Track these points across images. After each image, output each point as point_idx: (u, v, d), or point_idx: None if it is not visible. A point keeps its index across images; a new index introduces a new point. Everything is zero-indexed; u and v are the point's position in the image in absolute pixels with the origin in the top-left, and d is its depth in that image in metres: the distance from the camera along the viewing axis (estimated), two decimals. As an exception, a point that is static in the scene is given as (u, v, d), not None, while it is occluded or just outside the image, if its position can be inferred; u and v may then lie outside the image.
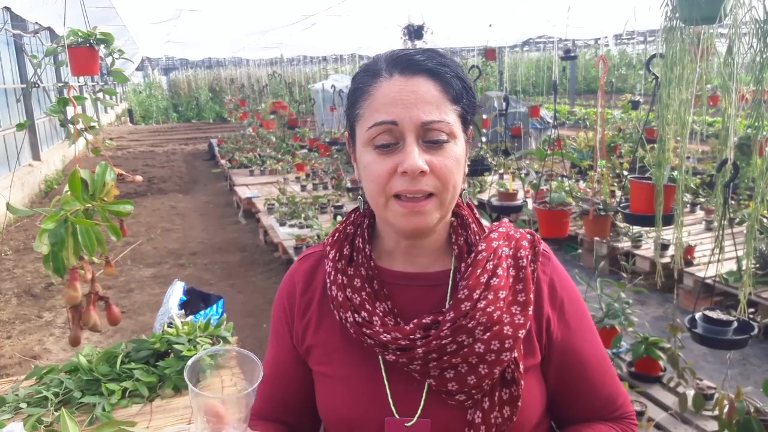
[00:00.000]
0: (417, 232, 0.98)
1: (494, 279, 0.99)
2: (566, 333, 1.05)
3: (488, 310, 0.96)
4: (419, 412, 0.98)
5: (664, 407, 3.07)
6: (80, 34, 2.76)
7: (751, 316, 2.63)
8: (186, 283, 3.03)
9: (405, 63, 0.96)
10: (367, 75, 0.99)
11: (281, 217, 6.74)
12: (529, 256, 1.05)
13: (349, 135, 1.05)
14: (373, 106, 0.96)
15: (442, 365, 0.95)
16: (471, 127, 1.04)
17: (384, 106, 0.94)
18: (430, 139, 0.94)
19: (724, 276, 4.39)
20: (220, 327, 2.20)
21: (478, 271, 0.99)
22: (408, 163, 0.92)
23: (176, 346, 2.01)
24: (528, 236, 1.09)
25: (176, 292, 2.87)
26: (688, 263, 5.01)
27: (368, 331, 0.98)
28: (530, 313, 0.99)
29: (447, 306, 1.00)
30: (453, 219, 1.07)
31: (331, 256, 1.08)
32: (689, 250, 5.11)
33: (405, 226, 0.96)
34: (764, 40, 2.08)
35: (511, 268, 1.03)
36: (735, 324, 2.57)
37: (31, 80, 3.08)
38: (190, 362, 0.92)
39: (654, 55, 3.11)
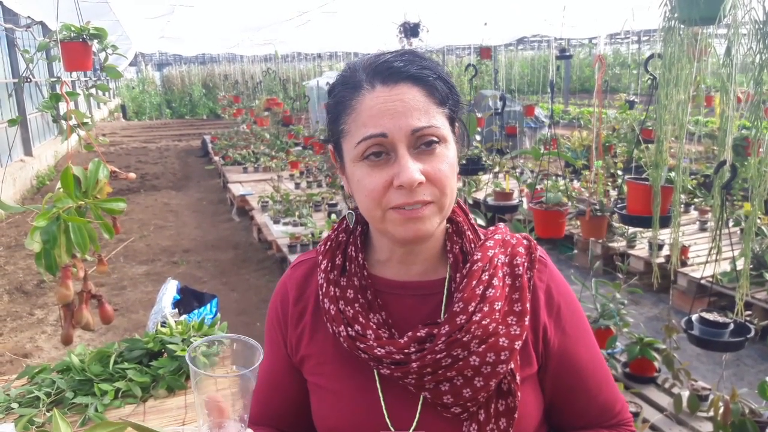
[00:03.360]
0: (417, 239, 0.95)
1: (490, 290, 0.97)
2: (563, 340, 1.03)
3: (483, 322, 0.94)
4: (414, 425, 0.97)
5: (659, 408, 3.07)
6: (73, 28, 2.73)
7: (748, 318, 2.63)
8: (179, 282, 3.02)
9: (386, 72, 0.92)
10: (347, 88, 0.95)
11: (275, 214, 6.72)
12: (526, 264, 1.03)
13: (334, 149, 1.02)
14: (360, 121, 0.92)
15: (438, 378, 0.94)
16: (457, 124, 1.00)
17: (371, 119, 0.91)
18: (422, 147, 0.91)
19: (719, 276, 4.39)
20: (214, 326, 2.18)
21: (474, 282, 0.97)
22: (405, 177, 0.89)
23: (170, 346, 1.99)
24: (524, 242, 1.07)
25: (170, 290, 2.85)
26: (683, 263, 5.02)
27: (362, 345, 0.96)
28: (526, 323, 0.97)
29: (441, 317, 0.99)
30: (448, 225, 1.04)
31: (323, 267, 1.05)
32: (684, 250, 5.12)
33: (405, 235, 0.93)
34: (763, 42, 2.07)
35: (507, 277, 1.01)
36: (731, 326, 2.56)
37: (23, 75, 3.05)
38: (193, 345, 0.92)
39: (652, 55, 3.10)
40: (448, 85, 0.96)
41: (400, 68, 0.92)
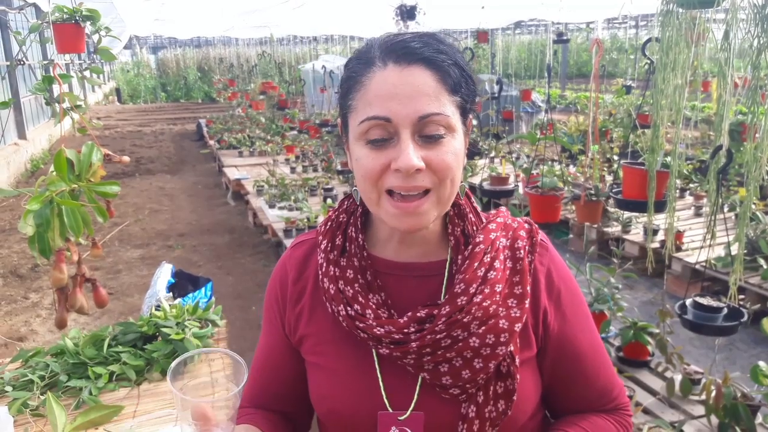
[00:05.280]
0: (411, 232, 0.95)
1: (491, 272, 0.96)
2: (563, 324, 1.03)
3: (484, 304, 0.94)
4: (413, 405, 0.96)
5: (652, 392, 3.09)
6: (65, 10, 2.69)
7: (741, 302, 2.64)
8: (174, 265, 3.01)
9: (400, 51, 0.90)
10: (360, 63, 0.94)
11: (270, 199, 6.70)
12: (527, 247, 1.02)
13: (342, 124, 1.01)
14: (366, 99, 0.91)
15: (437, 359, 0.93)
16: (471, 116, 0.99)
17: (377, 99, 0.89)
18: (427, 134, 0.89)
19: (713, 261, 4.41)
20: (208, 310, 2.18)
21: (475, 264, 0.97)
22: (402, 161, 0.87)
23: (164, 330, 1.99)
24: (526, 226, 1.06)
25: (164, 274, 2.84)
26: (677, 249, 5.04)
27: (361, 325, 0.96)
28: (527, 306, 0.97)
29: (442, 298, 0.98)
30: (450, 209, 1.03)
31: (323, 247, 1.04)
32: (678, 235, 5.13)
33: (398, 226, 0.93)
34: (762, 25, 2.06)
35: (508, 260, 1.00)
36: (725, 310, 2.58)
37: (16, 57, 3.01)
38: (173, 365, 0.90)
39: (649, 39, 3.09)
40: (463, 73, 0.93)
41: (415, 49, 0.90)
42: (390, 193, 0.91)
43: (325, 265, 1.02)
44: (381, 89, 0.89)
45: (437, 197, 0.92)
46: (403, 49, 0.90)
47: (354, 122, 0.93)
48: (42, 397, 1.73)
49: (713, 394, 2.58)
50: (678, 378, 3.01)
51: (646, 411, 2.93)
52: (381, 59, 0.91)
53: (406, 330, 0.94)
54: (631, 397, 2.93)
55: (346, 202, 1.09)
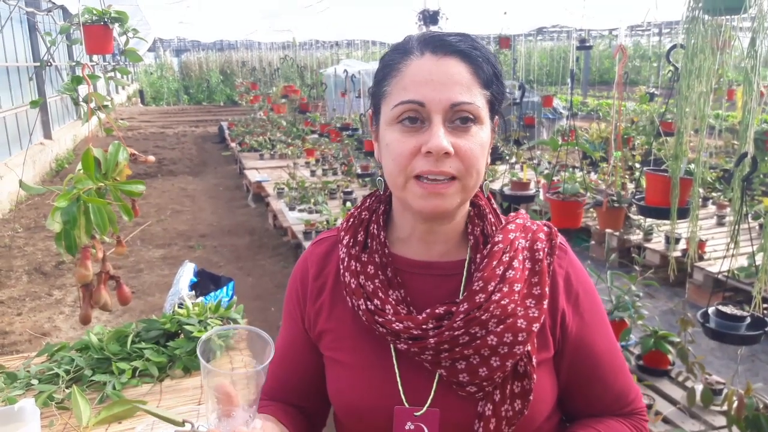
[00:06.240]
0: (435, 214, 0.96)
1: (510, 271, 0.97)
2: (580, 327, 1.04)
3: (503, 302, 0.94)
4: (429, 401, 0.97)
5: (672, 401, 3.06)
6: (95, 12, 2.75)
7: (765, 312, 2.61)
8: (196, 265, 3.04)
9: (437, 42, 0.94)
10: (397, 53, 0.97)
11: (291, 201, 6.74)
12: (546, 249, 1.03)
13: (373, 114, 1.03)
14: (402, 84, 0.94)
15: (454, 356, 0.94)
16: (497, 117, 1.01)
17: (413, 84, 0.92)
18: (457, 122, 0.92)
19: (736, 271, 4.35)
20: (230, 309, 2.20)
21: (494, 262, 0.98)
22: (433, 143, 0.89)
23: (187, 327, 2.01)
24: (545, 228, 1.07)
25: (187, 273, 2.87)
26: (699, 258, 4.98)
27: (380, 320, 0.97)
28: (545, 306, 0.98)
29: (461, 297, 0.99)
30: (470, 209, 1.05)
31: (345, 242, 1.06)
32: (700, 244, 5.07)
33: (423, 208, 0.94)
34: (789, 33, 2.05)
35: (527, 261, 1.01)
36: (748, 320, 2.55)
37: (44, 58, 3.07)
38: (203, 338, 0.92)
39: (675, 46, 3.07)
40: (495, 71, 0.97)
41: (452, 42, 0.94)
42: (418, 178, 0.93)
43: (346, 259, 1.04)
44: (417, 75, 0.93)
45: (462, 185, 0.94)
46: (440, 41, 0.94)
47: (387, 107, 0.96)
48: (67, 391, 1.76)
49: (735, 404, 2.54)
50: (699, 388, 2.97)
51: (666, 420, 2.90)
52: (419, 49, 0.95)
53: (424, 326, 0.95)
54: (650, 406, 2.90)
55: (368, 200, 1.11)
